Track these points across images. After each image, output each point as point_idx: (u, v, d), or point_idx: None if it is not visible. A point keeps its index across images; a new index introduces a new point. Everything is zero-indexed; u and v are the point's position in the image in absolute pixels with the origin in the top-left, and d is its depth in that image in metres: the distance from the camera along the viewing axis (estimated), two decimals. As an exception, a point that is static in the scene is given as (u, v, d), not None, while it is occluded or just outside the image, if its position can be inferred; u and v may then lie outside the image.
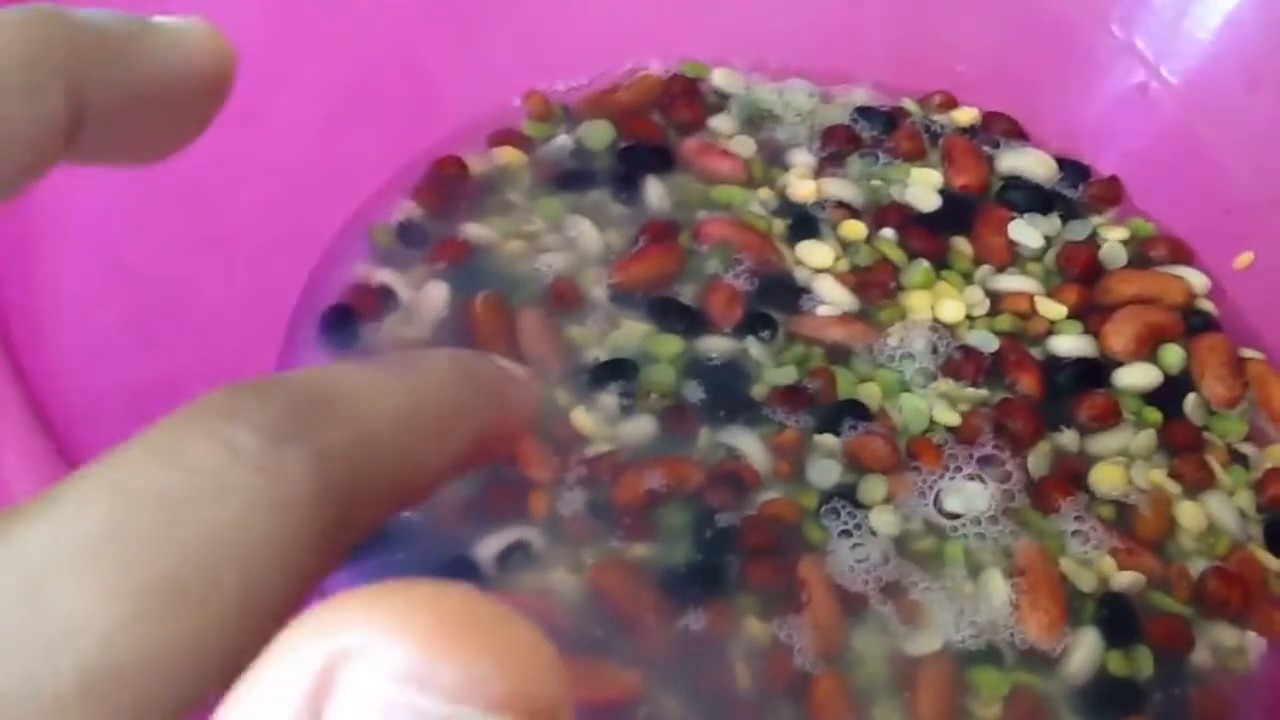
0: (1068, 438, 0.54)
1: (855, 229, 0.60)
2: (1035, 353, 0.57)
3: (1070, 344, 0.57)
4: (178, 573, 0.15)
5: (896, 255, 0.59)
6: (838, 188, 0.62)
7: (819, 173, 0.63)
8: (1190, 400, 0.56)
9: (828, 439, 0.52)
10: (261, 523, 0.15)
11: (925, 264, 0.59)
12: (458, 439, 0.19)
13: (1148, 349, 0.57)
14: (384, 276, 0.57)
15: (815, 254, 0.59)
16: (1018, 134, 0.66)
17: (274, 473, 0.15)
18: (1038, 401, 0.55)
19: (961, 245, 0.60)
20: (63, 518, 0.15)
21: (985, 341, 0.56)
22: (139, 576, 0.14)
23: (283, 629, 0.13)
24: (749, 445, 0.52)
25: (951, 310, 0.57)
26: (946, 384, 0.55)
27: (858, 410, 0.53)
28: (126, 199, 0.47)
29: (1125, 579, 0.50)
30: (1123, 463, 0.53)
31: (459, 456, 0.19)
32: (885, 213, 0.61)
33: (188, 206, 0.50)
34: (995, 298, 0.58)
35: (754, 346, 0.55)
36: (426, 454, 0.18)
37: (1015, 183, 0.63)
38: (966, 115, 0.66)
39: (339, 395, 0.17)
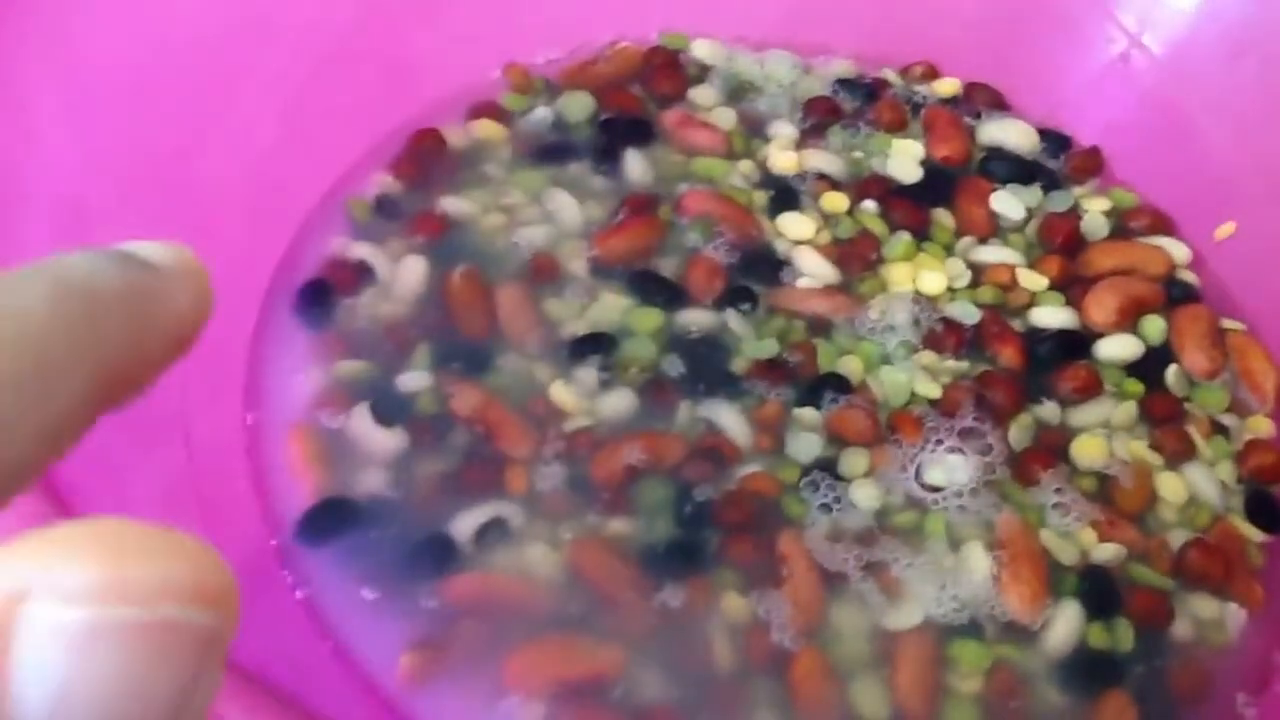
0: (1049, 410, 0.54)
1: (836, 201, 0.60)
2: (1016, 324, 0.57)
3: (1051, 316, 0.57)
4: None
5: (878, 227, 0.59)
6: (819, 159, 0.61)
7: (800, 144, 0.62)
8: (1172, 371, 0.56)
9: (808, 412, 0.52)
10: None
11: (907, 236, 0.58)
12: (68, 394, 0.15)
13: (1129, 320, 0.57)
14: (361, 251, 0.56)
15: (796, 226, 0.58)
16: (999, 104, 0.66)
17: None
18: (1019, 373, 0.55)
19: (943, 217, 0.60)
20: None
21: (966, 313, 0.56)
22: None
23: None
24: (729, 419, 0.52)
25: (933, 282, 0.57)
26: (928, 356, 0.55)
27: (839, 383, 0.53)
28: (90, 176, 0.47)
29: (1106, 551, 0.50)
30: (1104, 434, 0.53)
31: (76, 414, 0.15)
32: (867, 184, 0.61)
33: (156, 183, 0.50)
34: (977, 269, 0.58)
35: (734, 320, 0.55)
36: (10, 441, 0.14)
37: (997, 154, 0.63)
38: (948, 86, 0.66)
39: None
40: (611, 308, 0.55)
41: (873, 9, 0.67)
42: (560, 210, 0.58)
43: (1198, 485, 0.53)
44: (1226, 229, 0.60)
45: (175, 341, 0.17)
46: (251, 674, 0.32)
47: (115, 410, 0.16)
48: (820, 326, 0.55)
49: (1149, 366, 0.56)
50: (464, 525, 0.48)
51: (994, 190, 0.61)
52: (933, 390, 0.53)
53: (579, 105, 0.63)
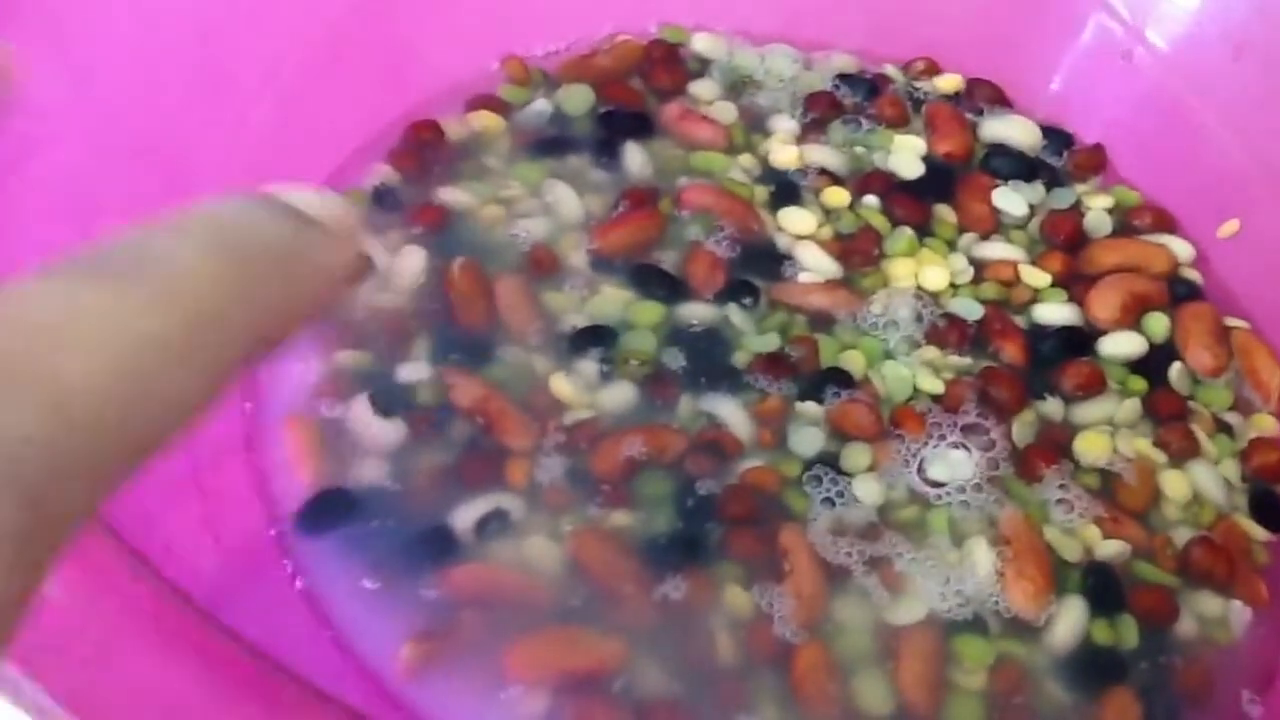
0: (1052, 406, 0.53)
1: (838, 196, 0.59)
2: (1019, 321, 0.56)
3: (1054, 312, 0.57)
4: None
5: (880, 222, 0.58)
6: (820, 154, 0.61)
7: (801, 139, 0.62)
8: (1175, 369, 0.55)
9: (810, 407, 0.52)
10: None
11: (909, 231, 0.58)
12: (224, 348, 0.16)
13: (1132, 318, 0.57)
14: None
15: (797, 221, 0.58)
16: (1001, 101, 0.65)
17: None
18: (1022, 370, 0.54)
19: (945, 213, 0.60)
20: None
21: (969, 309, 0.56)
22: None
23: None
24: (730, 413, 0.51)
25: (935, 278, 0.57)
26: (930, 352, 0.54)
27: (841, 378, 0.53)
28: (87, 165, 0.46)
29: (1110, 548, 0.49)
30: (1107, 431, 0.53)
31: (231, 364, 0.16)
32: (868, 180, 0.60)
33: (153, 172, 0.49)
34: (979, 265, 0.58)
35: (736, 314, 0.54)
36: (176, 388, 0.15)
37: (999, 150, 0.63)
38: (950, 82, 0.66)
39: (39, 344, 0.14)
40: (612, 301, 0.54)
41: (874, 4, 0.67)
42: (560, 202, 0.58)
43: (1202, 483, 0.52)
44: (1230, 227, 0.60)
45: (321, 302, 0.17)
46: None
47: (258, 363, 0.17)
48: (822, 321, 0.55)
49: (1153, 364, 0.56)
50: (464, 517, 0.48)
51: (996, 186, 0.61)
52: (935, 386, 0.53)
53: (578, 98, 0.62)
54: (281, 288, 0.17)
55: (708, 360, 0.53)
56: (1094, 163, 0.63)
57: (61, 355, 0.14)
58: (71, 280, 0.15)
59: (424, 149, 0.59)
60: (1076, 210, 0.61)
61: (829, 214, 0.59)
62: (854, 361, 0.53)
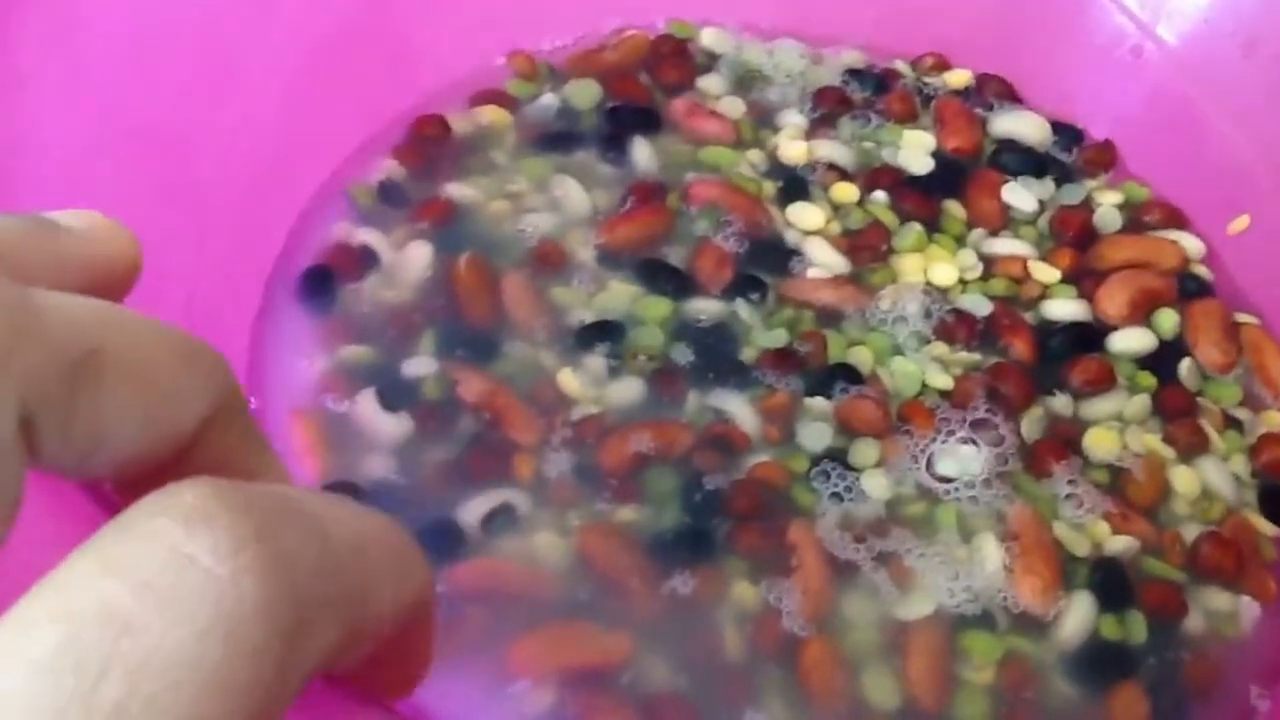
0: (1061, 402, 0.53)
1: (846, 191, 0.59)
2: (1028, 317, 0.56)
3: (1064, 308, 0.56)
4: (128, 701, 0.14)
5: (888, 218, 0.58)
6: (829, 150, 0.61)
7: (810, 134, 0.62)
8: (1185, 365, 0.55)
9: (818, 402, 0.52)
10: (217, 636, 0.15)
11: (917, 227, 0.58)
12: (393, 586, 0.19)
13: (1142, 314, 0.56)
14: (365, 236, 0.55)
15: (806, 216, 0.58)
16: (1011, 97, 0.65)
17: (230, 580, 0.15)
18: (1030, 365, 0.54)
19: (954, 208, 0.60)
20: (9, 645, 0.14)
21: (978, 305, 0.56)
22: (90, 705, 0.14)
23: None
24: (738, 408, 0.51)
25: (944, 273, 0.56)
26: (939, 347, 0.54)
27: (849, 373, 0.52)
28: (90, 159, 0.46)
29: (1119, 544, 0.49)
30: (1116, 427, 0.53)
31: (393, 609, 0.19)
32: (877, 175, 0.60)
33: (158, 166, 0.49)
34: (988, 261, 0.58)
35: (743, 309, 0.54)
36: (377, 583, 0.18)
37: (1008, 146, 0.62)
38: (959, 77, 0.66)
39: (299, 507, 0.17)
40: (619, 296, 0.54)
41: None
42: (567, 197, 0.57)
43: (1211, 479, 0.52)
44: (1240, 223, 0.60)
45: (407, 601, 0.20)
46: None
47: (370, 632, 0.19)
48: (830, 317, 0.55)
49: (1162, 360, 0.55)
50: (471, 511, 0.48)
51: (1005, 182, 0.60)
52: (944, 381, 0.53)
53: (585, 93, 0.62)
54: (406, 573, 0.20)
55: (715, 355, 0.53)
56: (1104, 159, 0.63)
57: (319, 521, 0.17)
58: (315, 491, 0.19)
59: (430, 144, 0.59)
60: (1086, 206, 0.61)
61: (837, 209, 0.59)
62: (862, 357, 0.53)
